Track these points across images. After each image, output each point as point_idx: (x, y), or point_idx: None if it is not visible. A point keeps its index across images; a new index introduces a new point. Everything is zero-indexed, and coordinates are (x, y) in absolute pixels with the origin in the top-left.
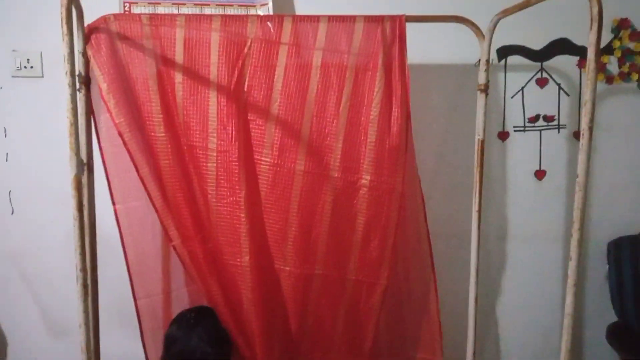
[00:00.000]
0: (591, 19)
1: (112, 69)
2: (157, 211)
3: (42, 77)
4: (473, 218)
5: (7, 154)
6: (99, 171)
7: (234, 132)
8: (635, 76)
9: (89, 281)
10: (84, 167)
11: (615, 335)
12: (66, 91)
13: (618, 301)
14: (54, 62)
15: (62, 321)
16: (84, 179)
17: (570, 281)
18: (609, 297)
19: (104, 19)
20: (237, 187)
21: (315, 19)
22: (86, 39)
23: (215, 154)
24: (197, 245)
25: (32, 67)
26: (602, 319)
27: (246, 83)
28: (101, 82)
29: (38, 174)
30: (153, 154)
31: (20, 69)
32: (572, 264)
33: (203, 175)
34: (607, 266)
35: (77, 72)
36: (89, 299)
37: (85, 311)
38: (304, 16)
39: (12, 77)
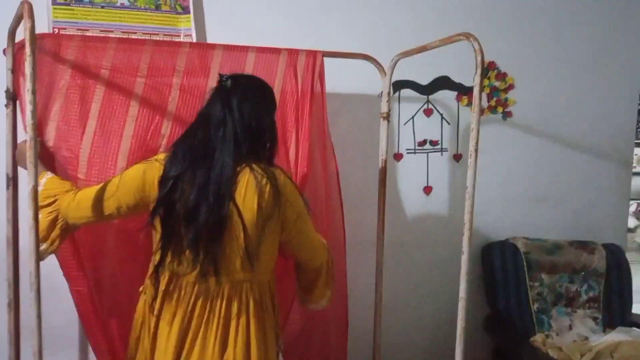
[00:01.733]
0: (476, 65)
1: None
2: None
3: None
4: (377, 227)
5: None
6: None
7: None
8: (500, 109)
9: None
10: (9, 182)
11: (491, 325)
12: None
13: (491, 297)
14: None
15: None
16: (9, 194)
17: (463, 270)
18: (483, 293)
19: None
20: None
21: (244, 49)
22: (15, 57)
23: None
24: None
25: None
26: (479, 312)
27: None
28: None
29: None
30: None
31: None
32: (464, 257)
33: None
34: (482, 267)
35: (5, 88)
36: (12, 316)
37: (10, 329)
38: (235, 46)
39: None
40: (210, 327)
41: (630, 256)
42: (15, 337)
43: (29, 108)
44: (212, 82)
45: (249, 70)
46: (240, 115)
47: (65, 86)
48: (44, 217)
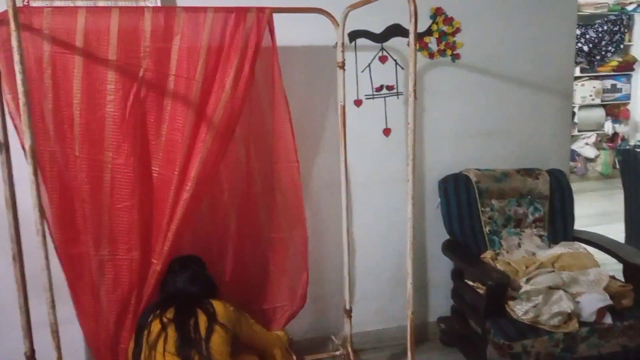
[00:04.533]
0: (409, 14)
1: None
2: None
3: None
4: (341, 169)
5: None
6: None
7: (129, 148)
8: (449, 52)
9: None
10: (1, 147)
11: (449, 248)
12: None
13: (448, 223)
14: None
15: None
16: (1, 157)
17: (409, 193)
18: (442, 222)
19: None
20: (131, 194)
21: (203, 9)
22: None
23: (110, 166)
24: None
25: None
26: (439, 238)
27: (143, 89)
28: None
29: None
30: (41, 162)
31: None
32: (409, 184)
33: (96, 184)
34: (439, 199)
35: None
36: (18, 267)
37: (17, 278)
38: (195, 7)
39: None
40: None
41: (591, 184)
42: (22, 287)
43: (19, 77)
44: (177, 43)
45: (206, 29)
46: None
47: (48, 57)
48: None
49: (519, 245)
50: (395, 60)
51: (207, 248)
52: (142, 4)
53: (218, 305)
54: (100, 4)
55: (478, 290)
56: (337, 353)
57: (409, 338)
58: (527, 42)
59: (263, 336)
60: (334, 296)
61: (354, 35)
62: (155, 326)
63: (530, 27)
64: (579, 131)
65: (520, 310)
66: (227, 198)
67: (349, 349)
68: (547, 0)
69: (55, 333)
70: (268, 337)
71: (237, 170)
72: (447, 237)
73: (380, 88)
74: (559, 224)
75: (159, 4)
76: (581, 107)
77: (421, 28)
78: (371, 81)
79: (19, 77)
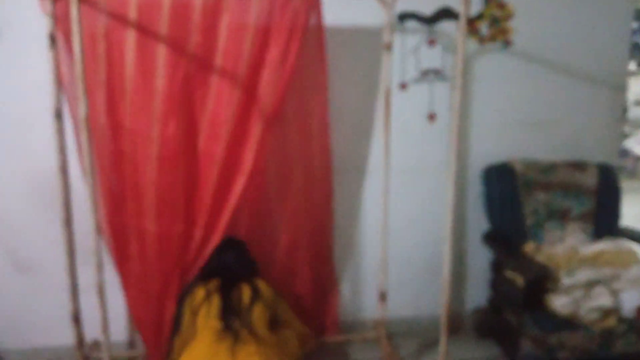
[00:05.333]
0: None
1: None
2: None
3: None
4: (383, 153)
5: None
6: None
7: (176, 122)
8: (500, 38)
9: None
10: (56, 115)
11: (489, 239)
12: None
13: (489, 214)
14: (7, 23)
15: (26, 258)
16: (56, 125)
17: (451, 179)
18: (482, 211)
19: None
20: (176, 168)
21: None
22: (54, 2)
23: (157, 140)
24: (122, 217)
25: None
26: (480, 228)
27: (191, 64)
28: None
29: None
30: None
31: None
32: (452, 169)
33: (143, 156)
34: (482, 187)
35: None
36: (67, 232)
37: (65, 242)
38: None
39: None
40: None
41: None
42: (70, 251)
43: (76, 47)
44: (225, 19)
45: (254, 7)
46: None
47: (103, 30)
48: None
49: (562, 239)
50: (443, 44)
51: (249, 231)
52: None
53: (261, 284)
54: None
55: (517, 282)
56: (370, 335)
57: (442, 325)
58: (581, 32)
59: (294, 323)
60: (369, 280)
61: (403, 16)
62: (199, 293)
63: (585, 17)
64: (631, 128)
65: (558, 303)
66: (266, 181)
67: (382, 333)
68: None
69: (102, 294)
70: (298, 327)
71: (276, 152)
72: (488, 227)
73: (427, 72)
74: (604, 219)
75: None
76: (638, 103)
77: (473, 12)
78: (417, 64)
79: (76, 48)
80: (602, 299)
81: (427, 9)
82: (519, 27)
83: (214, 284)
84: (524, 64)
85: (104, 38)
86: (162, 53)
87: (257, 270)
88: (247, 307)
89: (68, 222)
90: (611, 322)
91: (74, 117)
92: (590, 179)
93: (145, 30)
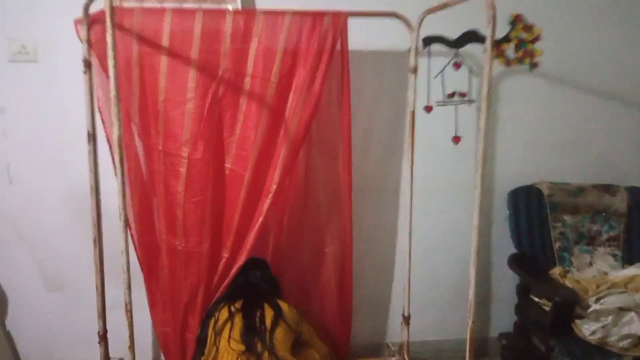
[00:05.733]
0: (488, 19)
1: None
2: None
3: (37, 61)
4: (406, 174)
5: (4, 130)
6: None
7: (205, 144)
8: (527, 60)
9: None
10: (90, 138)
11: (515, 262)
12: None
13: (516, 237)
14: (47, 48)
15: (57, 276)
16: (89, 147)
17: (477, 201)
18: (509, 234)
19: (103, 12)
20: (204, 189)
21: (281, 13)
22: (88, 29)
23: (186, 161)
24: (152, 236)
25: (27, 52)
26: (505, 251)
27: (221, 88)
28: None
29: (34, 146)
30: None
31: (17, 54)
32: (477, 192)
33: (173, 177)
34: (508, 211)
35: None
36: (97, 250)
37: (95, 261)
38: (273, 11)
39: (9, 61)
40: None
41: None
42: (100, 269)
43: (111, 72)
44: (254, 45)
45: (283, 32)
46: None
47: (137, 56)
48: None
49: (591, 263)
50: (469, 67)
51: (271, 251)
52: (224, 6)
53: (284, 305)
54: (187, 6)
55: (544, 307)
56: (393, 359)
57: (467, 348)
58: (610, 52)
59: (319, 345)
60: (393, 302)
61: (428, 40)
62: (223, 314)
63: (614, 37)
64: None
65: (587, 330)
66: (290, 203)
67: (405, 356)
68: (633, 9)
69: (130, 312)
70: (321, 349)
71: (299, 173)
72: (514, 251)
73: (453, 95)
74: (635, 244)
75: (239, 7)
76: None
77: (499, 34)
78: (443, 87)
79: (111, 72)
80: (633, 326)
81: (453, 33)
82: (546, 48)
83: (238, 304)
84: (551, 85)
85: (138, 63)
86: (192, 77)
87: (279, 289)
88: (270, 328)
89: (99, 240)
90: None
91: (108, 138)
92: (620, 203)
93: (177, 56)
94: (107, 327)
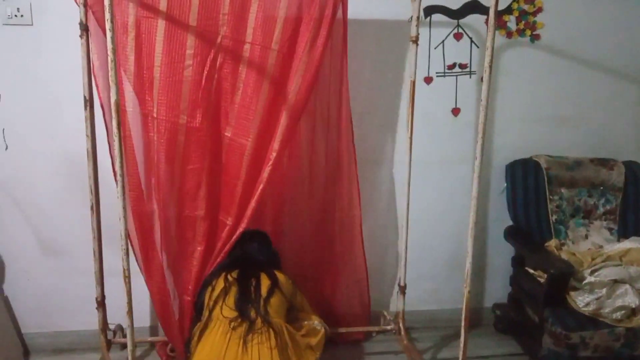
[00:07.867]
0: None
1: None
2: None
3: (32, 25)
4: (406, 146)
5: None
6: None
7: (203, 112)
8: (528, 32)
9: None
10: (86, 103)
11: (511, 234)
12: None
13: (512, 209)
14: (42, 10)
15: (53, 242)
16: (86, 113)
17: (476, 172)
18: (505, 207)
19: None
20: (202, 157)
21: None
22: None
23: (184, 129)
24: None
25: (22, 15)
26: (501, 224)
27: (219, 56)
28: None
29: (29, 112)
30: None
31: (11, 17)
32: (477, 162)
33: (170, 145)
34: (505, 183)
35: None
36: (95, 217)
37: (93, 227)
38: None
39: (3, 24)
40: None
41: None
42: (98, 236)
43: (108, 34)
44: (254, 11)
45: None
46: None
47: (133, 21)
48: None
49: (586, 236)
50: (470, 38)
51: (273, 223)
52: None
53: (280, 276)
54: None
55: (539, 278)
56: (388, 328)
57: (463, 317)
58: (611, 27)
59: (311, 313)
60: (388, 272)
61: (430, 10)
62: (219, 283)
63: (616, 12)
64: None
65: (581, 301)
66: (292, 173)
67: (401, 325)
68: None
69: (128, 278)
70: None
71: (300, 143)
72: (510, 223)
73: (453, 66)
74: (630, 218)
75: None
76: None
77: (501, 5)
78: (444, 58)
79: (108, 35)
80: (627, 298)
81: (455, 3)
82: (548, 21)
83: (234, 273)
84: (552, 58)
85: (134, 27)
86: (190, 44)
87: (278, 262)
88: (265, 297)
89: (96, 207)
90: (636, 321)
91: (103, 104)
92: (616, 177)
93: (174, 21)
94: (106, 293)
